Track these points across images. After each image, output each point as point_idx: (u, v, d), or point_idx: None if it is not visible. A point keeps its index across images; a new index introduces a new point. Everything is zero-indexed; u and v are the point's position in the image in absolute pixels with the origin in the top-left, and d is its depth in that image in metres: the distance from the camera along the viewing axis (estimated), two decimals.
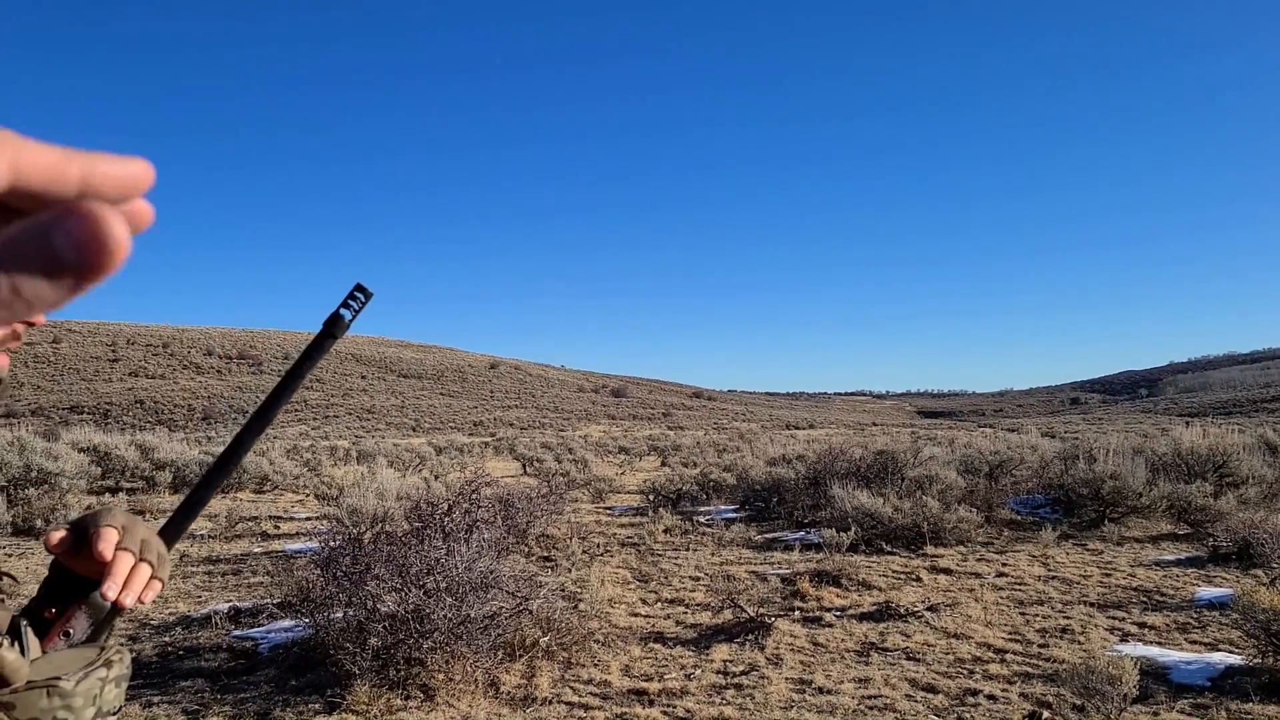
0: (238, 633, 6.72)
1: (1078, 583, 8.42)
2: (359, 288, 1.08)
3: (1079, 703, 4.85)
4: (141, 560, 1.05)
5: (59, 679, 0.94)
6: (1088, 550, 10.10)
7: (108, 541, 1.03)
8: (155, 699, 5.32)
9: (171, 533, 1.12)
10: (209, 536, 11.56)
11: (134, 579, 1.03)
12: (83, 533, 1.05)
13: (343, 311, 1.07)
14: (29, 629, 0.99)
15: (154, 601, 7.69)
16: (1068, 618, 7.17)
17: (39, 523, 11.28)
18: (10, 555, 10.24)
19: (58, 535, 1.04)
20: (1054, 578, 8.65)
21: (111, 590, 1.01)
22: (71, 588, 1.06)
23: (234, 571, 9.30)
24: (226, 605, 7.50)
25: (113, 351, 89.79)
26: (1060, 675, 5.32)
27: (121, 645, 1.06)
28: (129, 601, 1.02)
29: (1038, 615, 7.27)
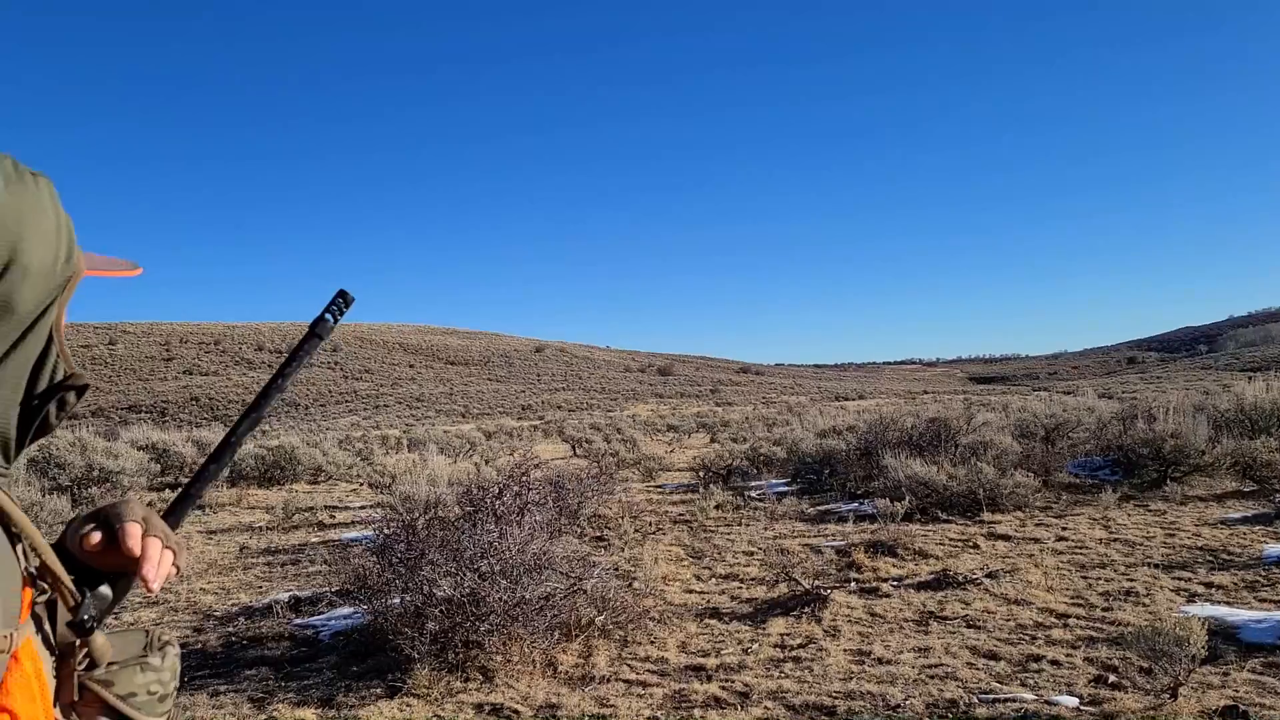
0: (299, 621, 6.82)
1: (1141, 544, 8.26)
2: (341, 294, 1.25)
3: (1146, 665, 4.75)
4: (167, 547, 1.07)
5: (146, 656, 1.02)
6: (1150, 511, 9.90)
7: (134, 536, 1.03)
8: (222, 688, 5.41)
9: (171, 522, 1.14)
10: (267, 528, 11.75)
11: (163, 565, 1.05)
12: (109, 528, 1.05)
13: (327, 315, 1.23)
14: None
15: (216, 592, 7.83)
16: (1131, 580, 7.03)
17: None
18: None
19: (96, 538, 1.04)
20: (1116, 540, 8.49)
21: (151, 572, 1.03)
22: (79, 579, 1.06)
23: (293, 561, 9.44)
24: (287, 595, 7.61)
25: (166, 351, 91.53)
26: (1125, 638, 5.20)
27: (167, 630, 1.10)
28: (157, 588, 1.04)
29: (1100, 578, 7.14)
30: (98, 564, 1.05)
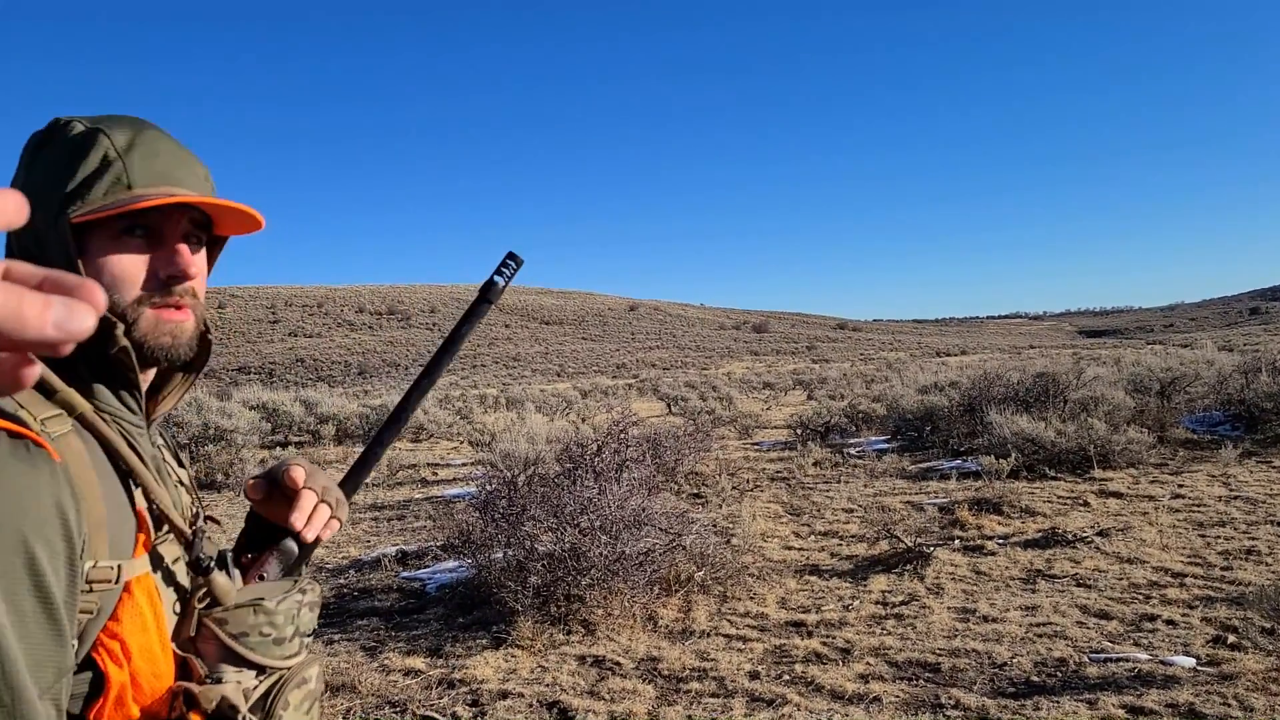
0: (406, 574, 7.02)
1: (1264, 502, 7.90)
2: (511, 255, 1.24)
3: (1268, 625, 4.55)
4: (322, 501, 1.16)
5: (262, 599, 1.06)
6: (1274, 468, 9.46)
7: (297, 475, 1.15)
8: (336, 637, 5.61)
9: (349, 486, 1.24)
10: (373, 484, 12.11)
11: (316, 516, 1.15)
12: (274, 479, 1.16)
13: (496, 278, 1.22)
14: (231, 561, 1.13)
15: (328, 545, 8.11)
16: (1253, 538, 6.73)
17: (219, 476, 12.06)
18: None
19: (253, 482, 1.16)
20: (1236, 497, 8.13)
21: (299, 520, 1.13)
22: (265, 536, 1.18)
23: (398, 517, 9.71)
24: (394, 549, 7.83)
25: (273, 314, 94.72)
26: (1246, 598, 5.00)
27: (313, 578, 1.17)
28: (311, 535, 1.14)
29: (1219, 537, 6.86)
30: (270, 516, 1.18)
